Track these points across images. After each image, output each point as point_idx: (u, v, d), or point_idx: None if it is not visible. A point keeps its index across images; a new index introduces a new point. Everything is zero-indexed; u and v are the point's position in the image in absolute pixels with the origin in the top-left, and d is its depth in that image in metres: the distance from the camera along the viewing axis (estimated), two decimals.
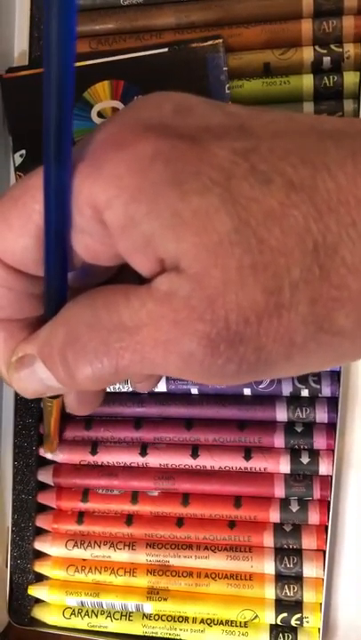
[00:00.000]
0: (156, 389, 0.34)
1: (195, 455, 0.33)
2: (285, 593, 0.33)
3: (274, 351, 0.19)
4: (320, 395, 0.33)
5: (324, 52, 0.32)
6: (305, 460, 0.33)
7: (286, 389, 0.33)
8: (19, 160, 0.33)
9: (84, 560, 0.34)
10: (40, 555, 0.35)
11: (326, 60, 0.32)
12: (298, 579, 0.33)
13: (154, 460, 0.34)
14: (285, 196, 0.18)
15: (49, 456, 0.34)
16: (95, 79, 0.32)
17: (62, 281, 0.21)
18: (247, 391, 0.33)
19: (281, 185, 0.18)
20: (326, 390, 0.32)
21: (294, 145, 0.19)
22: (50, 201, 0.19)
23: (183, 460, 0.33)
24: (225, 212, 0.18)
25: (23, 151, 0.33)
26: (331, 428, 0.32)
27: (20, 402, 0.34)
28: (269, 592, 0.33)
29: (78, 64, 0.32)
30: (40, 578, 0.35)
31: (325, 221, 0.18)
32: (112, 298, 0.20)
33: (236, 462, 0.33)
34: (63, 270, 0.21)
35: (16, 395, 0.34)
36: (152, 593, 0.34)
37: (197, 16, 0.32)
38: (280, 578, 0.33)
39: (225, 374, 0.19)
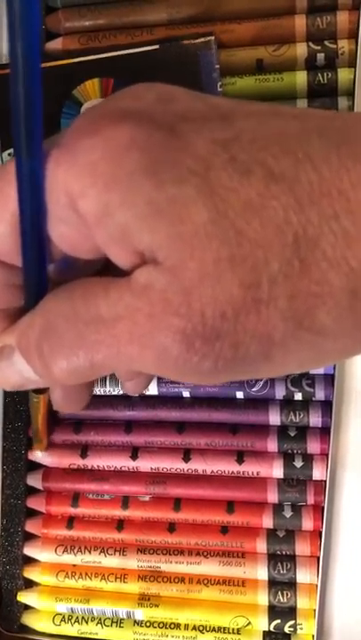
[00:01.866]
0: (147, 392, 0.33)
1: (187, 459, 0.33)
2: (279, 599, 0.32)
3: (252, 348, 0.18)
4: (314, 398, 0.32)
5: (318, 48, 0.31)
6: (298, 464, 0.32)
7: (280, 393, 0.32)
8: (7, 159, 0.32)
9: (74, 566, 0.34)
10: (29, 560, 0.34)
11: (320, 56, 0.31)
12: (291, 585, 0.32)
13: (145, 463, 0.33)
14: (265, 187, 0.17)
15: (38, 456, 0.34)
16: (85, 77, 0.32)
17: (41, 271, 0.20)
18: (240, 394, 0.33)
19: (261, 176, 0.17)
20: (320, 394, 0.32)
21: (277, 136, 0.18)
22: (23, 189, 0.19)
23: (175, 464, 0.33)
24: (202, 202, 0.17)
25: (12, 150, 0.32)
26: (325, 432, 0.32)
27: (8, 405, 0.34)
28: (262, 598, 0.32)
29: (67, 61, 0.32)
30: (29, 584, 0.34)
31: (306, 214, 0.17)
32: (91, 290, 0.19)
33: (228, 466, 0.32)
34: (41, 259, 0.20)
35: (5, 397, 0.34)
36: (143, 599, 0.33)
37: (189, 11, 0.32)
38: (273, 584, 0.32)
39: (201, 371, 0.18)
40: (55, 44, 0.33)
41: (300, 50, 0.31)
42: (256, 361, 0.18)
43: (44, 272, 0.20)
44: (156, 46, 0.31)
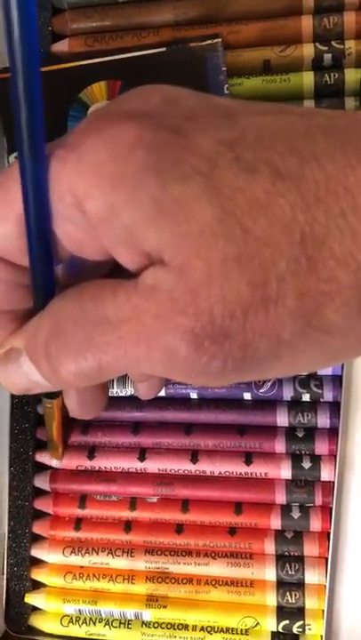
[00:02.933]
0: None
1: (194, 460, 0.33)
2: (287, 600, 0.32)
3: (261, 348, 0.18)
4: (322, 399, 0.32)
5: (325, 48, 0.31)
6: (306, 465, 0.32)
7: (287, 394, 0.32)
8: (14, 161, 0.32)
9: (81, 567, 0.34)
10: (37, 562, 0.34)
11: (327, 56, 0.31)
12: (300, 585, 0.32)
13: (153, 465, 0.33)
14: (271, 185, 0.17)
15: (54, 463, 0.34)
16: (91, 79, 0.32)
17: (48, 271, 0.20)
18: (247, 396, 0.33)
19: (267, 174, 0.17)
20: (328, 395, 0.32)
21: (282, 135, 0.18)
22: (27, 189, 0.19)
23: (183, 466, 0.33)
24: (207, 201, 0.17)
25: None
26: (333, 433, 0.32)
27: (16, 406, 0.34)
28: (271, 599, 0.32)
29: (74, 64, 0.32)
30: (37, 585, 0.34)
31: (313, 212, 0.17)
32: (99, 292, 0.19)
33: (236, 468, 0.32)
34: (48, 260, 0.20)
35: (12, 398, 0.34)
36: (151, 600, 0.33)
37: (196, 12, 0.32)
38: (282, 585, 0.32)
39: (210, 372, 0.18)
40: (62, 46, 0.33)
41: (307, 50, 0.31)
42: (265, 360, 0.18)
43: (52, 273, 0.20)
44: (163, 49, 0.31)
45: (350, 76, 0.31)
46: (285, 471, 0.32)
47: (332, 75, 0.31)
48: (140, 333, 0.18)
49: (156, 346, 0.18)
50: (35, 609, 0.34)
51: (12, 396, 0.34)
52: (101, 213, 0.18)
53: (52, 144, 0.19)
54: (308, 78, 0.31)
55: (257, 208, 0.17)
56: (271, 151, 0.18)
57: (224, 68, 0.31)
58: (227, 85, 0.31)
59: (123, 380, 0.33)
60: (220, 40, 0.31)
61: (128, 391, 0.33)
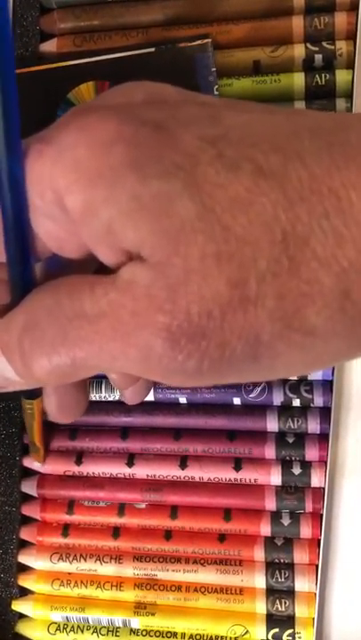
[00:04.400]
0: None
1: (183, 466, 0.32)
2: (277, 608, 0.32)
3: (239, 349, 0.17)
4: (312, 405, 0.32)
5: (316, 49, 0.31)
6: (297, 471, 0.32)
7: (277, 399, 0.32)
8: None
9: (69, 574, 0.33)
10: (24, 568, 0.34)
11: (318, 57, 0.31)
12: (290, 593, 0.32)
13: (141, 470, 0.32)
14: (253, 183, 0.17)
15: (36, 465, 0.33)
16: (80, 80, 0.31)
17: (27, 268, 0.20)
18: (237, 401, 0.32)
19: (249, 172, 0.17)
20: (319, 400, 0.31)
21: (267, 134, 0.18)
22: (2, 185, 0.18)
23: (171, 471, 0.32)
24: (188, 197, 0.17)
25: None
26: (323, 438, 0.31)
27: (2, 410, 0.33)
28: (260, 607, 0.32)
29: (62, 64, 0.31)
30: (24, 592, 0.34)
31: (296, 211, 0.17)
32: (77, 286, 0.19)
33: (225, 473, 0.32)
34: (25, 256, 0.20)
35: None
36: (139, 607, 0.33)
37: (185, 12, 0.31)
38: (271, 592, 0.32)
39: (186, 371, 0.18)
40: (50, 46, 0.32)
41: (298, 51, 0.31)
42: (243, 362, 0.18)
43: (30, 270, 0.20)
44: (152, 49, 0.31)
45: (341, 76, 0.30)
46: (275, 477, 0.32)
47: (323, 75, 0.31)
48: (116, 329, 0.18)
49: (131, 342, 0.18)
50: (22, 616, 0.34)
51: None
52: (80, 209, 0.18)
53: (31, 138, 0.19)
54: (298, 79, 0.31)
55: (238, 205, 0.17)
56: (255, 149, 0.17)
57: (214, 69, 0.31)
58: (217, 86, 0.31)
59: (111, 384, 0.33)
60: (209, 40, 0.31)
61: (116, 396, 0.33)
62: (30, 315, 0.19)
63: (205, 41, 0.31)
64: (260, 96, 0.31)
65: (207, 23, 0.31)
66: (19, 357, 0.19)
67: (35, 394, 0.25)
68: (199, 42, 0.31)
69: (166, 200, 0.17)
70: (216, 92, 0.31)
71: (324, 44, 0.30)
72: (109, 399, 0.33)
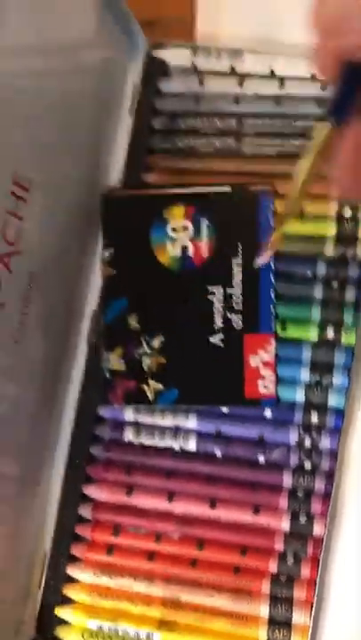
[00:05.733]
0: (187, 448, 0.41)
1: (213, 506, 0.40)
2: (276, 636, 0.39)
3: None
4: (320, 468, 0.40)
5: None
6: (303, 521, 0.39)
7: (294, 461, 0.40)
8: (107, 257, 0.43)
9: (108, 588, 0.40)
10: (71, 579, 0.41)
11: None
12: (288, 625, 0.39)
13: (178, 506, 0.40)
14: None
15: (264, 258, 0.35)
16: (172, 203, 0.42)
17: None
18: (261, 459, 0.40)
19: None
20: (325, 465, 0.40)
21: None
22: None
23: (203, 510, 0.40)
24: None
25: (112, 249, 0.43)
26: (326, 496, 0.39)
27: (73, 445, 0.42)
28: (262, 634, 0.39)
29: (160, 192, 0.43)
30: (67, 601, 0.41)
31: None
32: None
33: (246, 517, 0.40)
34: None
35: (72, 439, 0.42)
36: (163, 624, 0.40)
37: (254, 168, 0.43)
38: (273, 622, 0.39)
39: None
40: (151, 178, 0.44)
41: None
42: None
43: None
44: (228, 188, 0.42)
45: None
46: (285, 524, 0.39)
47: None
48: None
49: None
50: (62, 621, 0.41)
51: (72, 438, 0.42)
52: None
53: None
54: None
55: None
56: None
57: (273, 208, 0.41)
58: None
59: (160, 431, 0.41)
60: (271, 187, 0.42)
61: (166, 443, 0.41)
62: None
63: (268, 187, 0.42)
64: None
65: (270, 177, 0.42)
66: None
67: (343, 115, 0.21)
68: (262, 187, 0.42)
69: None
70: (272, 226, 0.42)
71: None
72: (159, 445, 0.41)
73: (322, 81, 0.42)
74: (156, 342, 0.41)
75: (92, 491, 0.42)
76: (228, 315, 0.41)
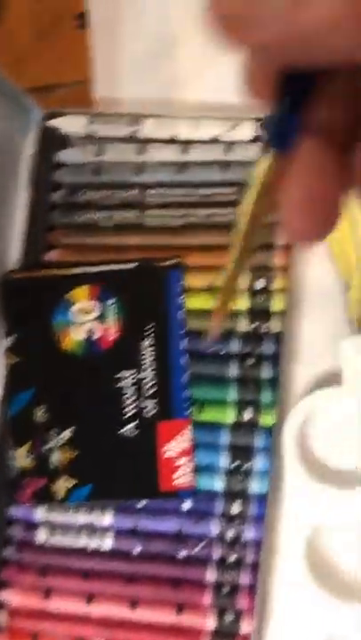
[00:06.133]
0: (104, 547, 0.38)
1: (134, 607, 0.38)
2: None
3: None
4: (245, 561, 0.38)
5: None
6: (229, 618, 0.37)
7: (217, 554, 0.38)
8: (8, 344, 0.40)
9: None
10: None
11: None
12: None
13: (97, 609, 0.38)
14: None
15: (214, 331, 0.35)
16: (75, 284, 0.40)
17: None
18: (183, 553, 0.38)
19: None
20: (250, 557, 0.37)
21: None
22: None
23: (123, 612, 0.38)
24: None
25: (14, 336, 0.40)
26: (253, 591, 0.37)
27: None
28: None
29: (62, 272, 0.40)
30: None
31: None
32: None
33: (169, 617, 0.37)
34: None
35: None
36: None
37: (160, 241, 0.40)
38: None
39: None
40: (53, 255, 0.41)
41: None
42: None
43: None
44: (134, 265, 0.40)
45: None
46: (211, 622, 0.37)
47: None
48: None
49: None
50: None
51: None
52: None
53: None
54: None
55: None
56: None
57: (182, 282, 0.39)
58: (182, 297, 0.39)
59: (81, 530, 0.39)
60: (179, 261, 0.39)
61: (80, 543, 0.39)
62: None
63: (176, 261, 0.40)
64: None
65: (178, 250, 0.40)
66: None
67: (286, 143, 0.16)
68: (170, 262, 0.40)
69: None
70: (181, 301, 0.39)
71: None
72: (74, 545, 0.39)
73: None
74: (66, 435, 0.39)
75: (5, 595, 0.39)
76: (140, 401, 0.39)
